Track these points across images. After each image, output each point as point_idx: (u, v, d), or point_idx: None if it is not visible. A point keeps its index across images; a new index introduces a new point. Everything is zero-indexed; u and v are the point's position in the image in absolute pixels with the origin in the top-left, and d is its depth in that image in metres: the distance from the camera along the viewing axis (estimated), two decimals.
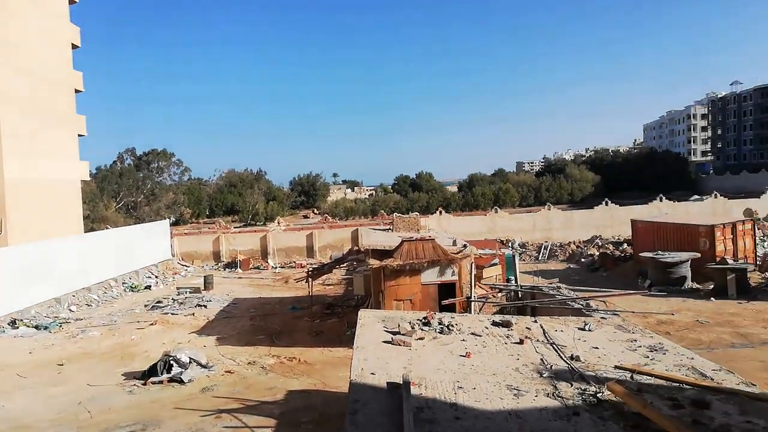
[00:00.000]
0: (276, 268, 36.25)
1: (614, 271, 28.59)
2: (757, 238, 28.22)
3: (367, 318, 8.50)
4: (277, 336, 18.44)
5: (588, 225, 40.38)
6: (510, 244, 36.03)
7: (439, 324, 7.98)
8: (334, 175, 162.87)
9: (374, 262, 16.30)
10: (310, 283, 22.81)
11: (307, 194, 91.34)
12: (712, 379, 5.63)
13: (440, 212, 43.41)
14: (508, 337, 7.52)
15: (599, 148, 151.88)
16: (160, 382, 13.71)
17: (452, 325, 7.89)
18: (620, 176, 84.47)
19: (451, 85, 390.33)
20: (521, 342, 7.17)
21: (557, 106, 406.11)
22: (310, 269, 24.36)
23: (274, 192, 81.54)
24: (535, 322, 8.39)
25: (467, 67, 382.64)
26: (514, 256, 24.29)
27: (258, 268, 36.35)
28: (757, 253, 27.00)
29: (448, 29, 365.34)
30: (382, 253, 16.85)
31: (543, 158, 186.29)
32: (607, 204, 41.90)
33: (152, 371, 14.15)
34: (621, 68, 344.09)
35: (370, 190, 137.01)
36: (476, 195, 74.84)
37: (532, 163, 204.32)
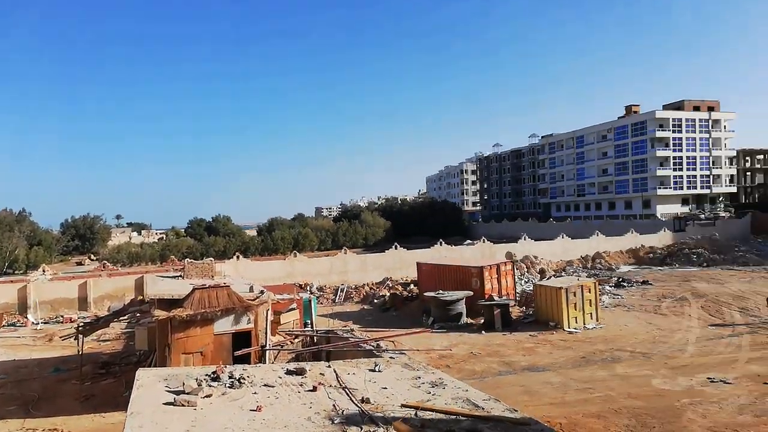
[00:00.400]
0: (38, 324, 30.93)
1: (403, 311, 30.52)
2: (516, 277, 32.83)
3: (146, 378, 7.63)
4: (35, 404, 15.56)
5: (380, 267, 42.76)
6: (308, 288, 36.26)
7: (230, 378, 7.51)
8: (118, 217, 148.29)
9: (160, 313, 14.88)
10: (81, 339, 19.87)
11: (82, 238, 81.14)
12: (483, 409, 6.21)
13: (237, 257, 41.96)
14: (301, 385, 7.39)
15: (389, 196, 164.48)
16: None
17: (244, 378, 7.49)
18: (407, 222, 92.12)
19: (248, 129, 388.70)
20: (314, 389, 7.09)
21: (350, 155, 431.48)
22: (81, 324, 21.30)
23: (40, 235, 70.59)
24: (329, 366, 8.42)
25: (265, 115, 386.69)
26: (311, 300, 24.44)
27: (14, 325, 30.58)
28: (517, 290, 31.34)
29: (244, 71, 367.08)
30: (171, 303, 15.48)
31: (340, 204, 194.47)
32: (396, 248, 44.97)
33: None
34: (404, 124, 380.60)
35: (161, 233, 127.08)
36: (276, 239, 74.42)
37: (330, 208, 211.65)
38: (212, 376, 7.57)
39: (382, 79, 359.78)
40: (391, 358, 9.60)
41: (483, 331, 23.85)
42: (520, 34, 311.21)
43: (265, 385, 7.33)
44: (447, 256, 41.45)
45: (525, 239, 49.67)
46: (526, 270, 42.41)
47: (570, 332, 23.05)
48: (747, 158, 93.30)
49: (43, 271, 37.75)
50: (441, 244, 46.44)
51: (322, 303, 34.27)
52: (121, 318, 23.26)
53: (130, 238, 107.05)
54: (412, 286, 36.09)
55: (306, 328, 19.42)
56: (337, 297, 36.67)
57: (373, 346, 11.91)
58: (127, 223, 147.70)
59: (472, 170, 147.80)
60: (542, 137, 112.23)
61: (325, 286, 39.27)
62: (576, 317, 23.91)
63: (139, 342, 19.26)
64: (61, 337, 24.72)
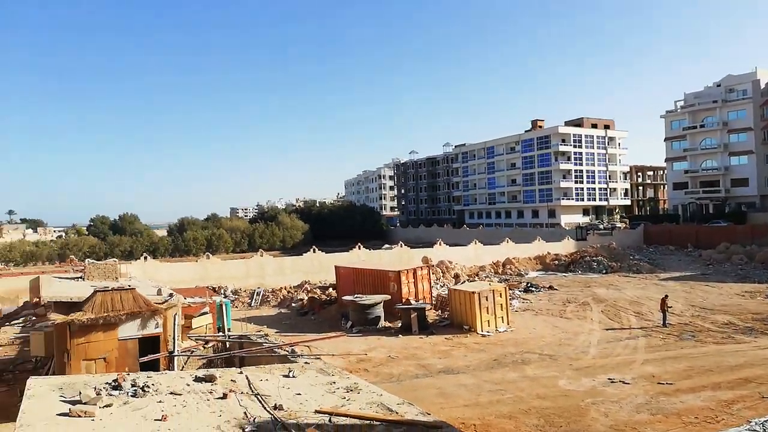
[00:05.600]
0: None
1: (321, 314, 30.29)
2: (432, 281, 33.55)
3: (38, 387, 7.02)
4: None
5: (298, 271, 42.15)
6: (222, 292, 35.05)
7: (133, 386, 7.07)
8: (10, 212, 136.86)
9: (58, 317, 13.79)
10: None
11: None
12: (396, 413, 6.25)
13: (145, 258, 39.83)
14: (211, 392, 7.09)
15: (308, 198, 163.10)
16: None
17: (148, 386, 7.08)
18: (326, 226, 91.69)
19: (151, 127, 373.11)
20: (225, 396, 6.83)
21: (269, 157, 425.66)
22: None
23: None
24: (241, 373, 8.16)
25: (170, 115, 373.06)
26: (224, 304, 23.63)
27: None
28: (433, 294, 32.01)
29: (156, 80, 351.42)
30: (70, 306, 14.40)
31: (257, 205, 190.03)
32: (314, 251, 44.57)
33: None
34: (324, 131, 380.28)
35: (59, 231, 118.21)
36: (187, 240, 71.43)
37: (246, 209, 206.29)
38: (113, 384, 7.10)
39: (306, 83, 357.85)
40: (306, 363, 9.45)
41: (400, 335, 24.11)
42: (424, 51, 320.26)
43: (171, 393, 6.97)
44: (365, 259, 41.59)
45: (440, 244, 50.86)
46: (441, 274, 43.41)
47: (483, 335, 23.83)
48: (639, 174, 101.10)
49: None
50: (359, 248, 46.53)
51: (237, 307, 33.29)
52: (12, 322, 21.36)
53: (24, 236, 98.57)
54: (330, 289, 35.90)
55: (218, 333, 18.73)
56: (254, 301, 35.76)
57: (287, 351, 11.68)
58: (21, 219, 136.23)
59: (390, 176, 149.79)
60: (455, 146, 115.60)
61: (240, 289, 38.17)
62: (488, 320, 24.76)
63: (34, 348, 17.70)
64: None
